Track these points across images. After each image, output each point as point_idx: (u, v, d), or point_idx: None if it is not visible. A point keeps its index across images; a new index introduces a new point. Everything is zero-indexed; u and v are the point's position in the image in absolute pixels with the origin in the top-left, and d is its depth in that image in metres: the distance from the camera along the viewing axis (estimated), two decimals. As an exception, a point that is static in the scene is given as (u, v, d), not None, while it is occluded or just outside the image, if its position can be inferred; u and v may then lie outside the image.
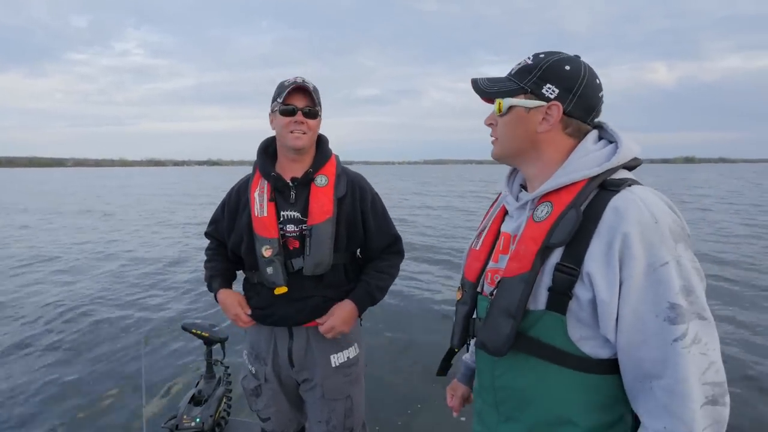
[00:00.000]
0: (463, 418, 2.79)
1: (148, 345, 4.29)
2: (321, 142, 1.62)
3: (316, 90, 1.52)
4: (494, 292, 0.93)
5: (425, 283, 6.40)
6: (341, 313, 1.53)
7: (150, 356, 4.04)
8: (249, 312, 1.57)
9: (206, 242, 1.81)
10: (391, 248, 1.66)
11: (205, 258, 1.76)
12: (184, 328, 2.33)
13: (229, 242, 1.61)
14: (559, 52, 0.94)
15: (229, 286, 1.67)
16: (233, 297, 1.60)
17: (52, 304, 5.71)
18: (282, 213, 1.53)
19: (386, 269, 1.63)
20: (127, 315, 5.27)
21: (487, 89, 0.97)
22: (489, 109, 1.01)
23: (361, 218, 1.59)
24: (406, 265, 7.00)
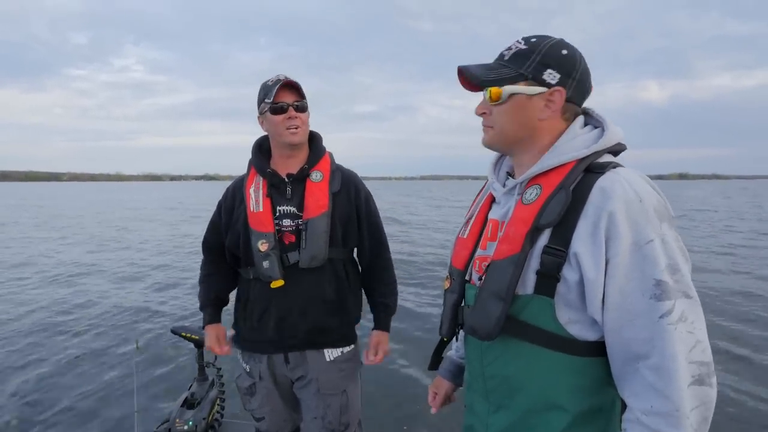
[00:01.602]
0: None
1: (139, 349, 4.25)
2: (314, 139, 1.64)
3: (299, 85, 1.54)
4: (483, 278, 0.93)
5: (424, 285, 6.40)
6: (381, 342, 1.69)
7: (142, 360, 4.00)
8: (225, 349, 1.68)
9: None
10: (381, 256, 1.70)
11: (200, 273, 1.75)
12: (174, 332, 2.31)
13: (226, 240, 1.61)
14: (549, 36, 0.92)
15: (217, 316, 1.72)
16: (213, 332, 1.69)
17: (41, 309, 5.67)
18: (278, 208, 1.54)
19: (391, 285, 1.73)
20: (119, 319, 5.23)
21: (483, 77, 0.92)
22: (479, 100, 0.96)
23: (356, 213, 1.61)
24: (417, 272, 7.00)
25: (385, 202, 28.18)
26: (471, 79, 0.93)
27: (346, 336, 1.63)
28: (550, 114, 0.91)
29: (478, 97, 0.97)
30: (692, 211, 20.68)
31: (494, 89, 0.91)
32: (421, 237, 12.09)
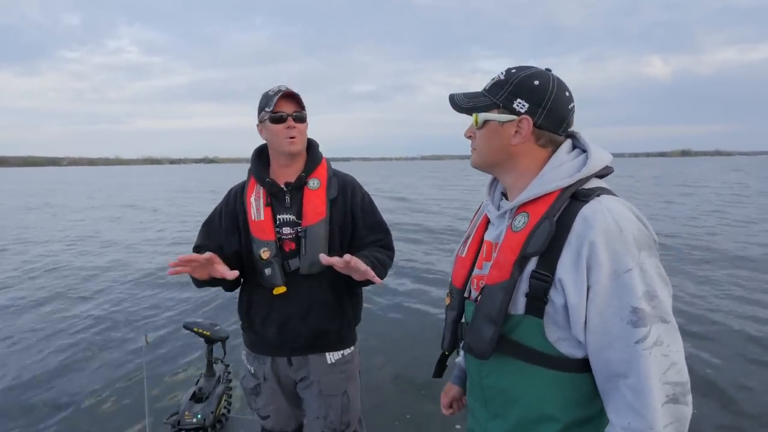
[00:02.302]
0: (458, 426, 2.87)
1: (149, 344, 4.33)
2: (311, 146, 1.67)
3: (299, 96, 1.58)
4: (479, 299, 0.99)
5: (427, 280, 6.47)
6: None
7: (152, 354, 4.09)
8: (203, 257, 1.39)
9: None
10: (381, 242, 1.67)
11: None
12: (186, 327, 2.37)
13: (228, 247, 1.63)
14: (531, 67, 0.98)
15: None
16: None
17: (53, 300, 5.77)
18: (278, 216, 1.58)
19: (383, 252, 1.63)
20: (130, 313, 5.33)
21: (463, 105, 1.02)
22: (469, 120, 1.05)
23: (351, 217, 1.64)
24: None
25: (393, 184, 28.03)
26: (454, 105, 1.04)
27: (345, 338, 1.68)
28: (520, 140, 0.97)
29: (473, 83, 1.05)
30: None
31: (476, 115, 1.00)
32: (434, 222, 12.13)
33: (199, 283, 1.54)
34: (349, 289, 1.64)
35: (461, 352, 1.31)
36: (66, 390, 3.55)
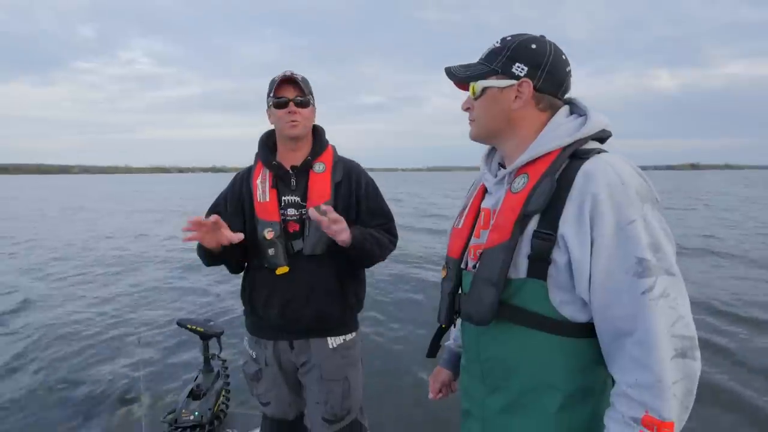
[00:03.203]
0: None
1: (143, 342, 4.33)
2: (317, 132, 1.71)
3: (305, 80, 1.62)
4: (476, 265, 0.97)
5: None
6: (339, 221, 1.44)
7: (147, 353, 4.06)
8: (210, 220, 1.43)
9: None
10: (383, 226, 1.68)
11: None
12: (179, 324, 2.35)
13: (232, 228, 1.62)
14: (525, 33, 0.98)
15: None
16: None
17: (45, 299, 5.76)
18: (283, 198, 1.61)
19: (381, 233, 1.62)
20: (123, 313, 5.31)
21: (459, 75, 1.01)
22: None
23: (356, 201, 1.65)
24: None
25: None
26: (451, 77, 1.03)
27: (347, 323, 1.68)
28: (521, 105, 0.96)
29: None
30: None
31: (473, 85, 0.99)
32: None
33: (209, 260, 1.58)
34: (351, 273, 1.65)
35: (452, 335, 1.29)
36: (59, 391, 3.51)
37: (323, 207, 1.41)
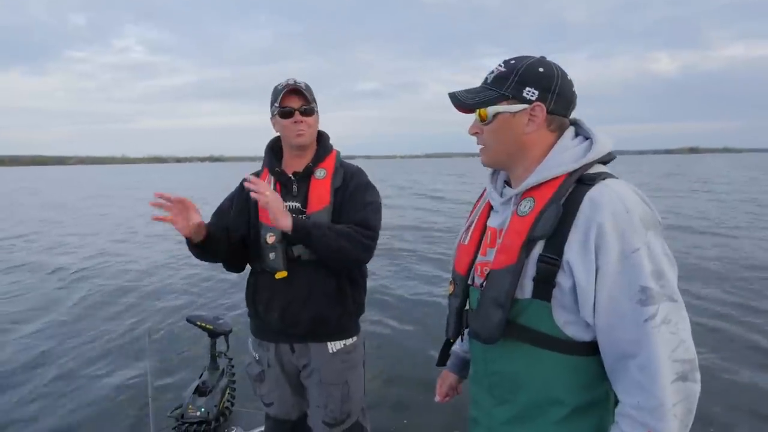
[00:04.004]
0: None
1: (152, 337, 4.36)
2: (322, 138, 1.74)
3: (308, 88, 1.64)
4: (484, 284, 1.00)
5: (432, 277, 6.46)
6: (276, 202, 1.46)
7: (155, 348, 4.10)
8: (174, 196, 1.45)
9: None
10: (361, 223, 1.58)
11: None
12: (189, 321, 2.40)
13: (236, 230, 1.69)
14: (528, 56, 0.99)
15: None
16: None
17: (58, 293, 5.80)
18: (285, 204, 1.61)
19: (349, 226, 1.55)
20: (133, 307, 5.36)
21: (468, 102, 1.01)
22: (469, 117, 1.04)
23: (349, 203, 1.63)
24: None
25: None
26: (456, 103, 1.03)
27: (347, 328, 1.70)
28: (534, 128, 0.98)
29: (478, 81, 1.06)
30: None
31: (482, 110, 1.00)
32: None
33: (192, 250, 1.56)
34: (350, 278, 1.68)
35: (458, 340, 1.30)
36: (68, 383, 3.56)
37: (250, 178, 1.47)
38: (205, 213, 1.54)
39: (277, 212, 1.46)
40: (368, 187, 1.69)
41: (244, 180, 1.58)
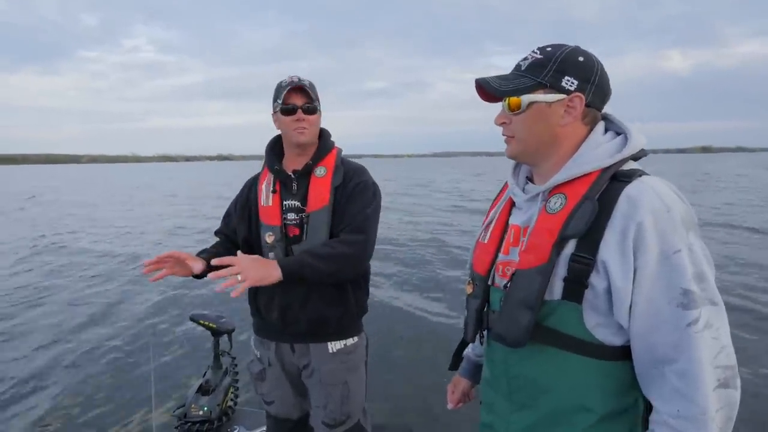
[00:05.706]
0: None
1: (155, 336, 4.38)
2: (323, 136, 1.71)
3: (312, 86, 1.62)
4: (508, 285, 0.94)
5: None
6: (250, 261, 1.36)
7: (159, 347, 4.11)
8: (162, 255, 1.47)
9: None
10: (350, 226, 1.54)
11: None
12: (192, 319, 2.38)
13: (239, 232, 1.70)
14: (563, 44, 0.94)
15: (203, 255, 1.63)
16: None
17: (59, 293, 5.84)
18: (284, 202, 1.63)
19: (332, 242, 1.50)
20: (136, 306, 5.38)
21: (502, 88, 0.94)
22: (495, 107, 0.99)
23: (348, 203, 1.59)
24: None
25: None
26: (490, 90, 0.95)
27: (347, 328, 1.67)
28: (570, 120, 0.93)
29: (487, 70, 0.96)
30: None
31: (513, 99, 0.93)
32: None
33: (198, 277, 1.60)
34: (352, 278, 1.63)
35: (470, 344, 1.27)
36: (71, 382, 3.57)
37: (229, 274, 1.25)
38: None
39: (263, 278, 1.34)
40: (368, 187, 1.64)
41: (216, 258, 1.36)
